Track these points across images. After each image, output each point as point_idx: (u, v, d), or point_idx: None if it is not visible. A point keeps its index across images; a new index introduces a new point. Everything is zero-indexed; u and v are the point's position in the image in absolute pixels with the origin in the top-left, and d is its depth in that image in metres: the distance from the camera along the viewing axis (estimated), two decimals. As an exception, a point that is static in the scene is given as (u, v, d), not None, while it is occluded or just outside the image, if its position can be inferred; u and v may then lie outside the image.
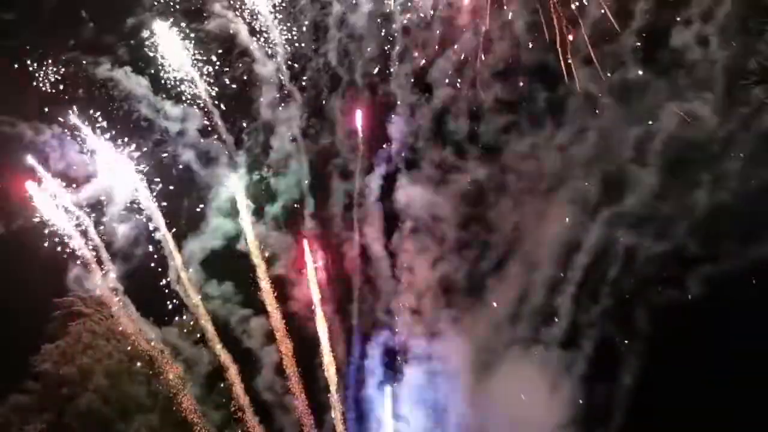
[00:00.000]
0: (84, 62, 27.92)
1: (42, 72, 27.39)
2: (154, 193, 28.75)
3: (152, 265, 29.04)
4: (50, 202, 27.21)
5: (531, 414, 27.51)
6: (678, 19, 25.09)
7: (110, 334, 28.46)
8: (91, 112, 27.99)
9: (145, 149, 28.83)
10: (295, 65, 29.46)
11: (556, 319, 27.94)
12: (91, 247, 28.02)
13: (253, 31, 28.85)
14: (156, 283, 28.97)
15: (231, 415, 29.02)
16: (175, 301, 29.11)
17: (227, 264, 29.51)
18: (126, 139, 28.45)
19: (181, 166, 29.37)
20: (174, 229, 29.09)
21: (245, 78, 29.32)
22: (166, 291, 29.04)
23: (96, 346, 28.18)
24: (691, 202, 25.38)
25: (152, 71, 28.53)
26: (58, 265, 27.72)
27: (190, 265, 29.09)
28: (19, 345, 27.03)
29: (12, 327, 26.59)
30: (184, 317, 29.37)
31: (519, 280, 28.52)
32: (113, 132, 28.31)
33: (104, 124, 28.18)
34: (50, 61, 27.55)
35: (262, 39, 28.91)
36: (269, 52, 29.12)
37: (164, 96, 28.86)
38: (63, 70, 27.62)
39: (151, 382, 28.54)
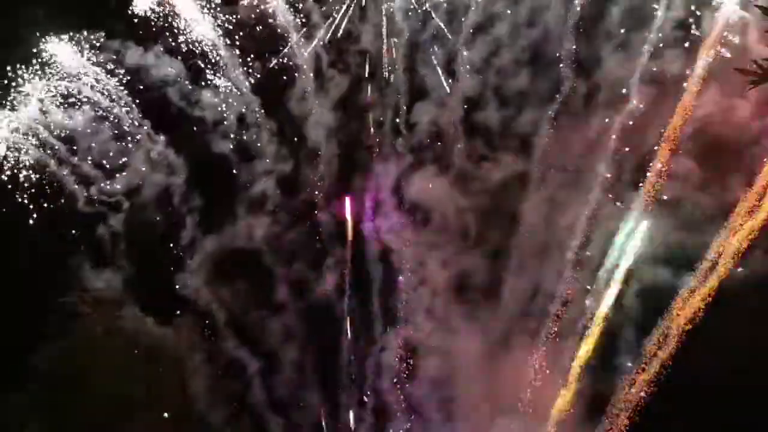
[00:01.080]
0: (115, 49, 26.97)
1: (73, 60, 26.47)
2: (181, 185, 28.10)
3: (161, 261, 28.23)
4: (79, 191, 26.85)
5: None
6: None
7: (111, 334, 27.70)
8: (123, 100, 27.30)
9: (175, 139, 28.09)
10: (333, 49, 28.49)
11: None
12: (101, 242, 27.44)
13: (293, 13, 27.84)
14: (162, 281, 28.17)
15: (236, 415, 28.56)
16: (182, 299, 28.31)
17: (245, 262, 28.72)
18: (157, 128, 27.83)
19: (211, 157, 28.43)
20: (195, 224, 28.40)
21: (282, 64, 28.26)
22: (174, 288, 28.26)
23: (96, 346, 27.47)
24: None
25: (186, 57, 27.53)
26: (60, 261, 27.08)
27: (206, 262, 28.39)
28: (19, 345, 26.19)
29: (12, 326, 25.72)
30: (192, 316, 28.53)
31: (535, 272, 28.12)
32: (144, 120, 27.67)
33: (135, 112, 27.55)
34: (81, 48, 26.55)
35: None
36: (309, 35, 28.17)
37: (197, 84, 27.98)
38: (94, 57, 26.64)
39: (154, 381, 27.88)
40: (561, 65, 26.37)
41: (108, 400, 26.89)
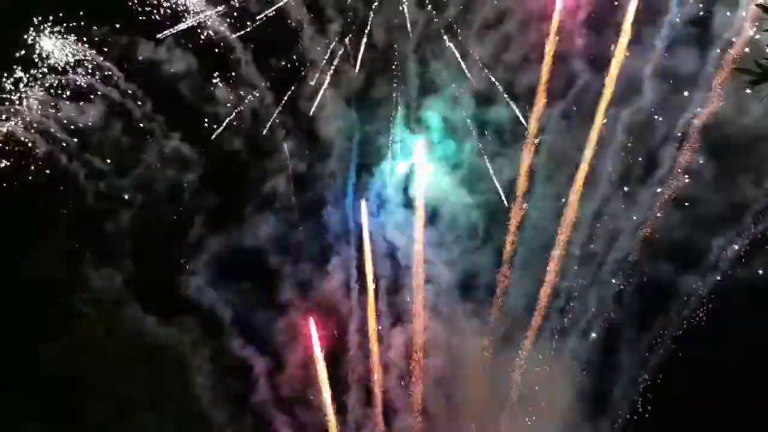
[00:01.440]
0: (128, 43, 26.69)
1: (86, 54, 26.23)
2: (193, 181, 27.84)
3: (164, 260, 27.88)
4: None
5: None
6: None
7: (112, 333, 27.61)
8: (135, 94, 27.01)
9: (187, 134, 27.72)
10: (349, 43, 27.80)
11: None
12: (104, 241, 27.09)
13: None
14: (165, 280, 27.74)
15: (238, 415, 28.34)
16: (185, 298, 27.85)
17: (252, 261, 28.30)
18: (170, 123, 27.41)
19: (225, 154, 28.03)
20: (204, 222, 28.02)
21: (295, 58, 27.76)
22: (177, 288, 27.80)
23: (96, 346, 27.33)
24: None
25: (199, 51, 27.11)
26: (62, 261, 26.87)
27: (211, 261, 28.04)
28: (19, 345, 26.00)
29: (11, 326, 25.66)
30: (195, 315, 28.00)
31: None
32: (156, 114, 27.33)
33: (148, 106, 27.17)
34: (93, 42, 26.27)
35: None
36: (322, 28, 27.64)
37: (211, 78, 27.54)
38: (107, 51, 26.45)
39: (154, 381, 27.87)
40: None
41: (108, 400, 26.84)
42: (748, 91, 21.09)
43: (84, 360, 26.88)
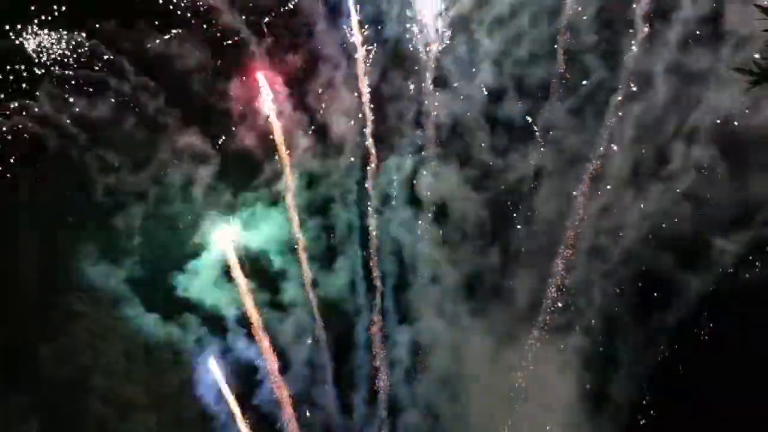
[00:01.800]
0: (140, 37, 26.28)
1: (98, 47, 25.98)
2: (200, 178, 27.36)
3: (163, 258, 27.47)
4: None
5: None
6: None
7: (111, 333, 27.23)
8: (145, 88, 26.64)
9: (198, 132, 27.30)
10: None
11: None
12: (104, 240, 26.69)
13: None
14: (165, 278, 27.22)
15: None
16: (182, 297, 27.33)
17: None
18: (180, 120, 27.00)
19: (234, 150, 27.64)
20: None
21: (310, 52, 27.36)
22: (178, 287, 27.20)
23: (96, 346, 26.98)
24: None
25: (212, 45, 26.84)
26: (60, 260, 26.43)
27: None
28: (18, 345, 25.85)
29: (10, 326, 25.54)
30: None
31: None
32: (168, 110, 26.91)
33: (159, 101, 26.81)
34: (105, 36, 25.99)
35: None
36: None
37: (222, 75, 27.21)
38: (119, 45, 26.07)
39: (153, 381, 27.63)
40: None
41: (107, 400, 26.60)
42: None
43: (84, 360, 26.59)
